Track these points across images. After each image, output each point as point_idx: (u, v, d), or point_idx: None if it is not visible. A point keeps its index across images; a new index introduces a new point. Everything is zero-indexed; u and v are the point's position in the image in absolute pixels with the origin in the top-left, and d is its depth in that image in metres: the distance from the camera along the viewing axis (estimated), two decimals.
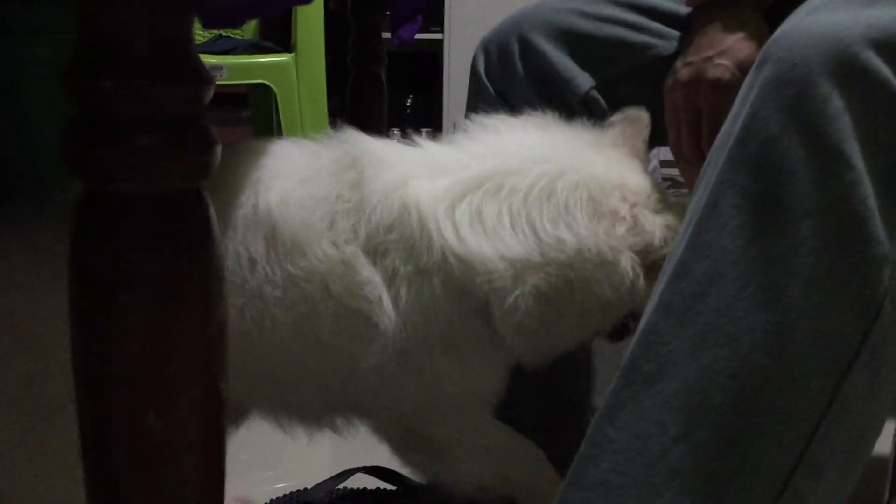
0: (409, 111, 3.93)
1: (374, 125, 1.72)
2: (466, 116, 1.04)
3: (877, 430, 0.60)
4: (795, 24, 0.60)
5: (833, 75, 0.56)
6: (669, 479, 0.57)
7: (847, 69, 0.56)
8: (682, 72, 0.87)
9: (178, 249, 0.46)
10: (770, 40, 0.60)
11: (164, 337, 0.46)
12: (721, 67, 0.83)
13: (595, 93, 0.98)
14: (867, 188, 0.56)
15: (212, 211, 0.48)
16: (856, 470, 0.60)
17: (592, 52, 0.98)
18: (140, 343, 0.45)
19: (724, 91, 0.83)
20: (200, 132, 0.47)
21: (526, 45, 0.99)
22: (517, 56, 0.99)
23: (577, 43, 0.98)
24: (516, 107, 0.98)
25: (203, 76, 0.46)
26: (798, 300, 0.56)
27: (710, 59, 0.84)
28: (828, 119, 0.56)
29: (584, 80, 0.98)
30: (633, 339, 0.62)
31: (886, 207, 0.56)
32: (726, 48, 0.84)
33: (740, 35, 0.84)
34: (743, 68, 0.82)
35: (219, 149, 0.48)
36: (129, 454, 0.46)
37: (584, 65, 0.98)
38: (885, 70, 0.56)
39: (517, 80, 1.00)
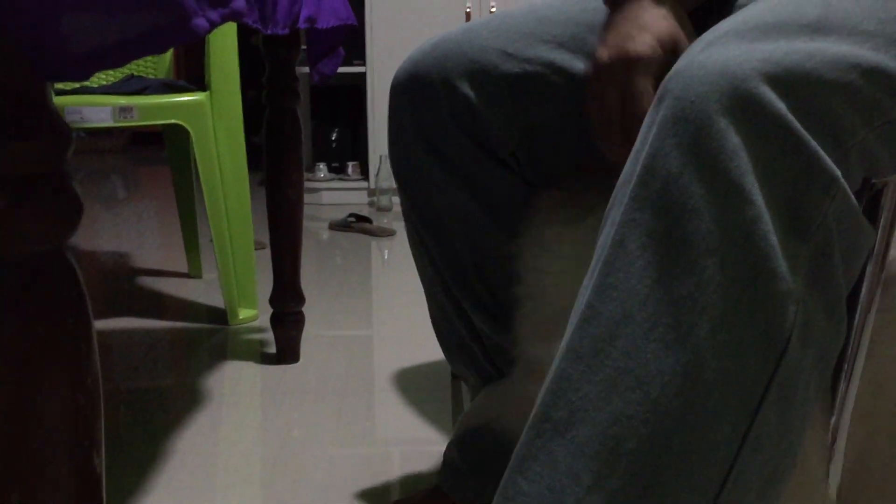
0: (335, 144, 3.90)
1: (291, 161, 1.70)
2: (394, 161, 1.00)
3: (790, 465, 0.60)
4: (691, 60, 0.59)
5: (729, 111, 0.56)
6: None
7: (743, 105, 0.56)
8: (602, 54, 0.81)
9: (37, 315, 0.43)
10: (667, 77, 0.60)
11: (26, 410, 0.43)
12: (642, 43, 0.78)
13: (520, 149, 0.95)
14: (767, 223, 0.55)
15: (76, 271, 0.45)
16: None
17: (516, 100, 0.92)
18: None
19: (647, 67, 0.78)
20: (57, 189, 0.44)
21: (451, 91, 0.93)
22: (442, 101, 0.93)
23: (501, 89, 0.92)
24: (446, 153, 0.94)
25: (58, 130, 0.43)
26: (705, 339, 0.55)
27: (630, 36, 0.80)
28: (726, 155, 0.55)
29: (505, 139, 0.93)
30: (543, 387, 0.60)
31: (787, 242, 0.56)
32: (645, 23, 0.80)
33: (659, 12, 0.80)
34: (664, 44, 0.78)
35: (79, 206, 0.45)
36: None
37: (508, 114, 0.93)
38: (779, 104, 0.56)
39: (446, 127, 0.94)
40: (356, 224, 3.15)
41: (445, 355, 1.08)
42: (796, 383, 0.57)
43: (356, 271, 2.60)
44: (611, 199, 0.62)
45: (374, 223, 3.17)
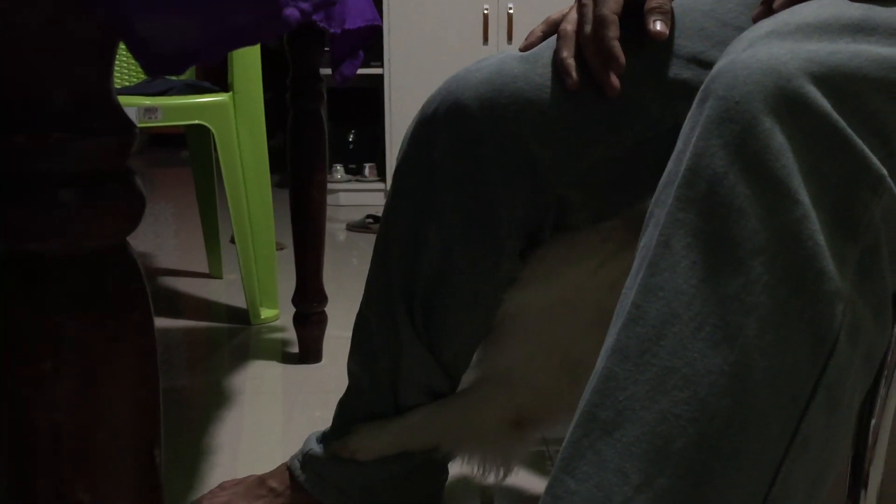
0: (352, 146, 3.92)
1: (315, 162, 1.70)
2: (403, 190, 0.97)
3: (835, 466, 0.60)
4: (734, 59, 0.59)
5: (775, 110, 0.56)
6: None
7: (788, 104, 0.56)
8: None
9: (104, 311, 0.43)
10: (709, 77, 0.60)
11: (92, 404, 0.43)
12: None
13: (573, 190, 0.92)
14: (815, 223, 0.55)
15: (139, 267, 0.45)
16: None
17: (580, 139, 0.88)
18: (66, 412, 0.43)
19: None
20: (124, 186, 0.44)
21: (500, 130, 0.88)
22: (487, 139, 0.88)
23: (562, 129, 0.87)
24: (478, 192, 0.91)
25: (126, 127, 0.44)
26: (753, 339, 0.55)
27: None
28: (772, 155, 0.55)
29: (558, 181, 0.90)
30: (588, 386, 0.60)
31: (835, 242, 0.56)
32: None
33: None
34: None
35: (142, 201, 0.45)
36: None
37: (568, 155, 0.89)
38: (824, 103, 0.56)
39: (488, 166, 0.90)
40: (374, 225, 3.16)
41: (367, 361, 1.07)
42: (843, 384, 0.57)
43: None
44: (652, 201, 0.63)
45: None
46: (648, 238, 0.60)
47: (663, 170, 1.02)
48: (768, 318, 0.55)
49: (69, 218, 0.42)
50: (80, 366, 0.43)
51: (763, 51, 0.58)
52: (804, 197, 0.55)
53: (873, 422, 0.70)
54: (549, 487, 0.60)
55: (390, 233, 0.99)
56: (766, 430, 0.55)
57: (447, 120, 0.90)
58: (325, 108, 1.72)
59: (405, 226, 0.97)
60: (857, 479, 0.71)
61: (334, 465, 1.09)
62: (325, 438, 1.13)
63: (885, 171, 0.57)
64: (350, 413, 1.10)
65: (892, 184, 0.58)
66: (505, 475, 1.06)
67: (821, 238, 0.55)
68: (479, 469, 1.06)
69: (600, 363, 0.60)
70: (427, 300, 0.98)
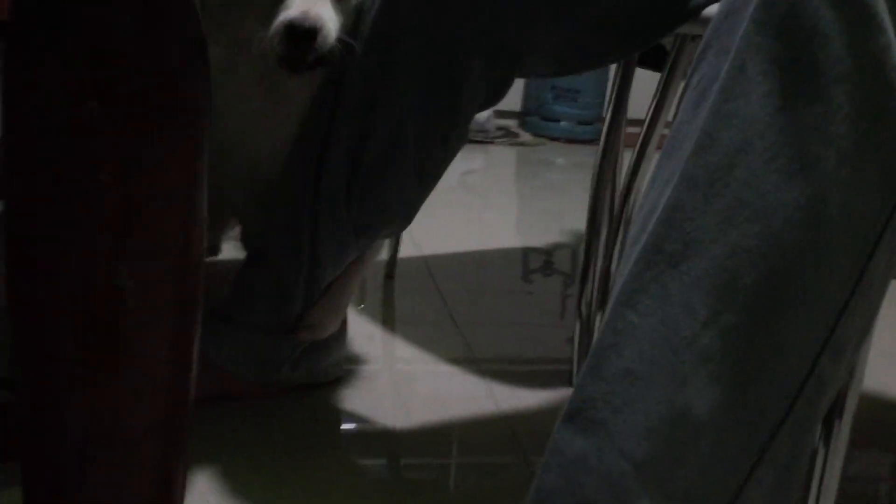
0: None
1: None
2: None
3: (878, 307, 0.57)
4: None
5: None
6: (698, 367, 0.52)
7: None
8: None
9: None
10: None
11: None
12: None
13: None
14: None
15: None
16: (862, 349, 0.58)
17: None
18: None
19: None
20: None
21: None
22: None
23: None
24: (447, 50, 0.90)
25: None
26: (831, 172, 0.52)
27: None
28: None
29: None
30: (652, 217, 0.55)
31: None
32: None
33: None
34: None
35: None
36: None
37: None
38: None
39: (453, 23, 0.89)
40: None
41: None
42: None
43: None
44: (709, 30, 0.58)
45: None
46: (711, 66, 0.56)
47: (625, 39, 0.98)
48: (847, 151, 0.52)
49: None
50: None
51: None
52: (888, 24, 0.53)
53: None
54: (609, 322, 0.55)
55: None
56: (836, 268, 0.53)
57: None
58: None
59: (356, 95, 0.92)
60: (833, 405, 0.69)
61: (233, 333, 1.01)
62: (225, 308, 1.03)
63: None
64: (256, 281, 1.01)
65: None
66: None
67: None
68: None
69: (666, 192, 0.55)
70: (370, 173, 0.94)
